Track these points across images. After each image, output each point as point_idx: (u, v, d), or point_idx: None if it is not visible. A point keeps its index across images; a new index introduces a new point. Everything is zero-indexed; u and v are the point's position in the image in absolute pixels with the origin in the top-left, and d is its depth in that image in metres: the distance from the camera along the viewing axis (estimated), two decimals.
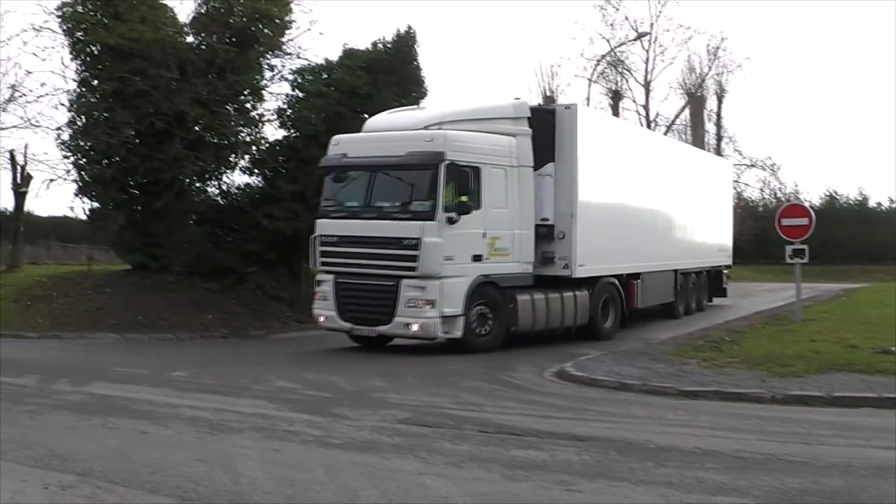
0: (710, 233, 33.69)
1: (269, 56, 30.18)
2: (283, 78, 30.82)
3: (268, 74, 30.77)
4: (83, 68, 28.73)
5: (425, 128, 21.45)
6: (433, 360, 20.09)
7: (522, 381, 16.88)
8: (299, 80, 30.24)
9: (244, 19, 28.67)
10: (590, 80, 53.81)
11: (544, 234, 22.93)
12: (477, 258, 21.09)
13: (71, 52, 28.71)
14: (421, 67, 31.64)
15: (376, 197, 21.42)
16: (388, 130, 22.18)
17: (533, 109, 23.57)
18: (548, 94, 62.77)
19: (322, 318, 22.03)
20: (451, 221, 20.44)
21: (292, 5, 29.32)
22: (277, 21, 29.07)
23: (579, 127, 23.25)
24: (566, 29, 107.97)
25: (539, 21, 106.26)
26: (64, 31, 28.47)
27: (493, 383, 16.52)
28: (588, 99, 50.61)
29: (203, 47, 28.83)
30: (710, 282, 33.93)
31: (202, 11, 28.96)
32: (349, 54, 30.21)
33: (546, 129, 23.02)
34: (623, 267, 25.88)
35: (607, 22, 62.34)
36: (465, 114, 22.66)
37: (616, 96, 64.71)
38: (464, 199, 20.60)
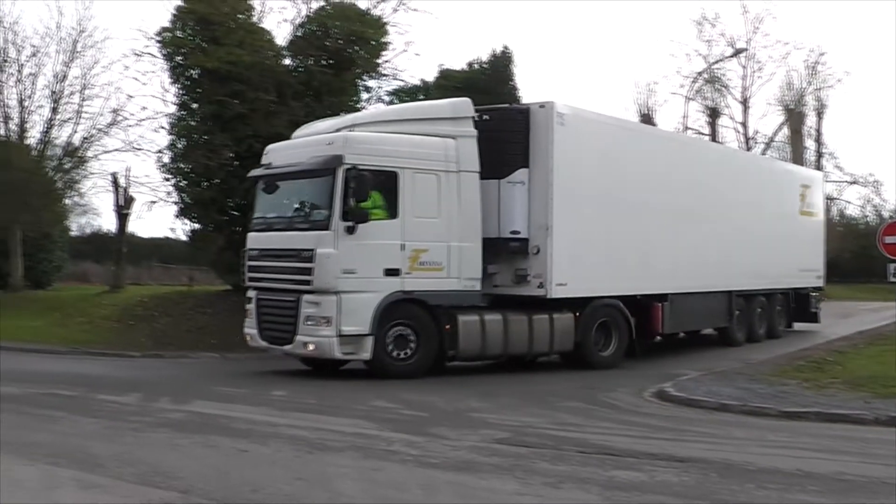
0: (786, 251, 29.56)
1: (365, 78, 30.41)
2: (379, 99, 31.10)
3: (364, 96, 31.06)
4: (183, 92, 29.23)
5: (337, 130, 19.99)
6: (531, 379, 20.04)
7: (621, 401, 16.73)
8: (395, 102, 30.42)
9: (340, 42, 28.92)
10: (687, 97, 53.37)
11: (516, 248, 20.58)
12: (392, 272, 19.08)
13: (171, 77, 29.25)
14: (517, 87, 31.77)
15: (287, 207, 20.51)
16: (309, 136, 20.85)
17: (502, 110, 21.49)
18: (645, 111, 62.49)
19: (248, 337, 20.80)
20: (350, 231, 18.60)
21: (388, 27, 29.55)
22: (373, 43, 29.29)
23: (556, 127, 20.64)
24: (663, 46, 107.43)
25: (636, 39, 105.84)
26: (164, 55, 29.01)
27: (592, 403, 16.39)
28: (685, 116, 50.35)
29: (300, 70, 29.14)
30: (788, 305, 30.55)
31: (299, 34, 29.29)
32: (445, 75, 30.36)
33: (518, 130, 20.66)
34: (632, 287, 22.69)
35: (704, 39, 61.89)
36: (390, 114, 21.78)
37: (713, 114, 64.05)
38: (367, 206, 18.86)
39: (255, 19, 29.53)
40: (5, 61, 38.48)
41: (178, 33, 28.74)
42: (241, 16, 28.85)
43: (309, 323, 18.91)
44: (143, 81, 35.41)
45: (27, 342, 27.04)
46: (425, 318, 19.60)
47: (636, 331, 22.71)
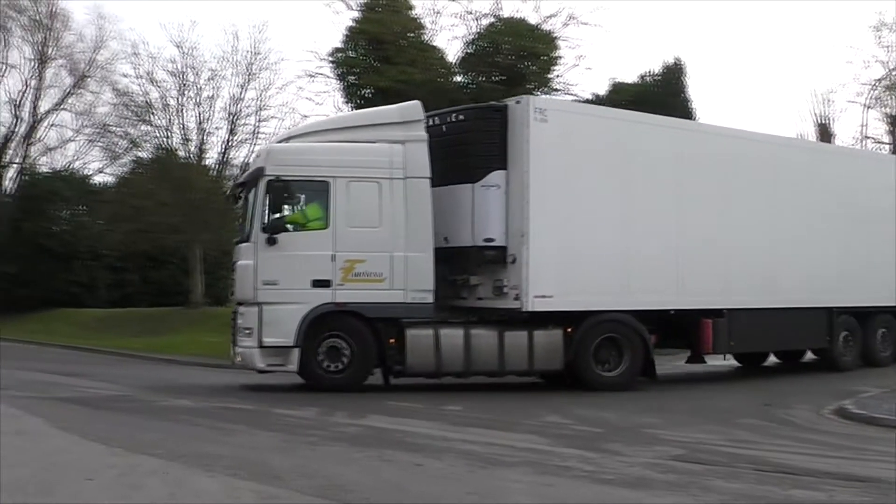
0: None
1: (536, 93, 30.40)
2: None
3: None
4: (356, 111, 29.69)
5: (285, 140, 20.04)
6: (705, 394, 19.81)
7: (798, 418, 16.36)
8: None
9: (511, 57, 29.05)
10: (865, 105, 51.91)
11: (493, 257, 19.31)
12: (321, 284, 18.64)
13: (344, 96, 29.86)
14: (690, 98, 31.41)
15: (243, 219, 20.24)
16: None
17: (476, 109, 20.52)
18: (822, 120, 60.90)
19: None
20: (270, 242, 18.47)
21: (558, 41, 29.55)
22: (544, 58, 29.34)
23: (534, 125, 19.10)
24: (840, 53, 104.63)
25: (812, 46, 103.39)
26: (337, 75, 29.63)
27: (768, 420, 16.07)
28: (864, 126, 48.83)
29: (471, 87, 29.36)
30: None
31: (470, 52, 29.53)
32: (617, 88, 30.20)
33: (492, 130, 19.40)
34: (657, 300, 20.62)
35: (882, 44, 60.03)
36: (339, 122, 21.37)
37: (894, 122, 62.06)
38: (299, 217, 19.10)
39: (425, 38, 29.88)
40: (185, 85, 39.79)
41: (351, 53, 29.32)
42: (411, 34, 29.22)
43: (239, 334, 18.99)
44: (318, 101, 36.42)
45: (205, 357, 27.89)
46: (362, 330, 19.00)
47: (691, 349, 21.80)
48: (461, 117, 20.00)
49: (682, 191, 21.09)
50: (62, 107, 53.59)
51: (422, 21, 30.27)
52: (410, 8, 30.26)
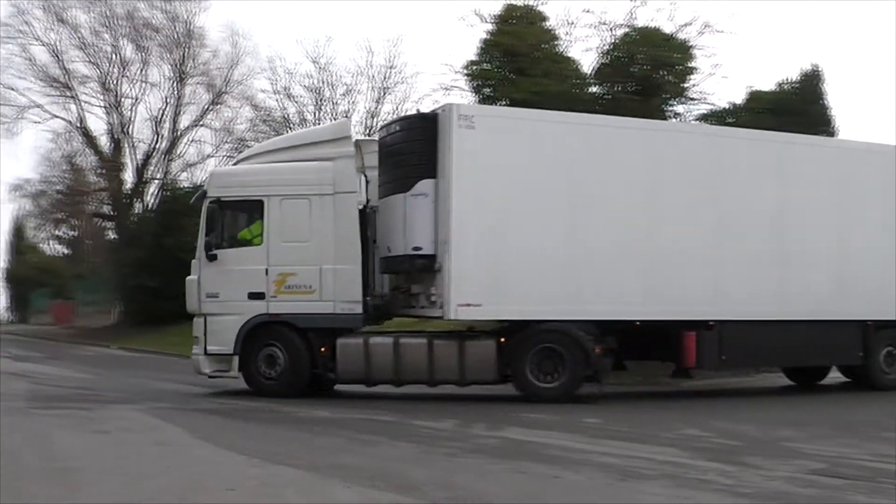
0: None
1: (672, 103, 30.16)
2: None
3: (672, 121, 30.76)
4: None
5: (235, 163, 21.55)
6: (844, 407, 19.43)
7: None
8: None
9: (646, 67, 28.82)
10: None
11: (423, 266, 19.22)
12: (256, 296, 19.98)
13: None
14: (828, 106, 30.69)
15: None
16: None
17: (408, 118, 20.53)
18: None
19: None
20: (211, 258, 20.06)
21: (694, 50, 29.21)
22: (679, 67, 29.02)
23: (458, 132, 18.72)
24: None
25: None
26: (472, 88, 29.73)
27: None
28: None
29: (606, 97, 29.20)
30: None
31: (605, 62, 29.37)
32: (754, 96, 29.67)
33: (422, 139, 19.20)
34: (617, 311, 19.67)
35: None
36: (280, 143, 22.60)
37: None
38: (245, 234, 20.53)
39: (560, 49, 29.82)
40: (321, 100, 40.36)
41: (485, 66, 29.43)
42: (545, 46, 29.20)
43: (193, 343, 20.56)
44: None
45: None
46: (294, 340, 19.99)
47: (677, 362, 20.72)
48: (397, 128, 20.27)
49: (651, 194, 20.23)
50: (201, 123, 55.08)
51: (556, 32, 30.29)
52: (544, 19, 30.31)
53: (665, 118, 30.26)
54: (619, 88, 28.84)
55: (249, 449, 13.14)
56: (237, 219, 20.72)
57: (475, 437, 14.99)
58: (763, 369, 23.97)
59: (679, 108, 30.71)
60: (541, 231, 19.51)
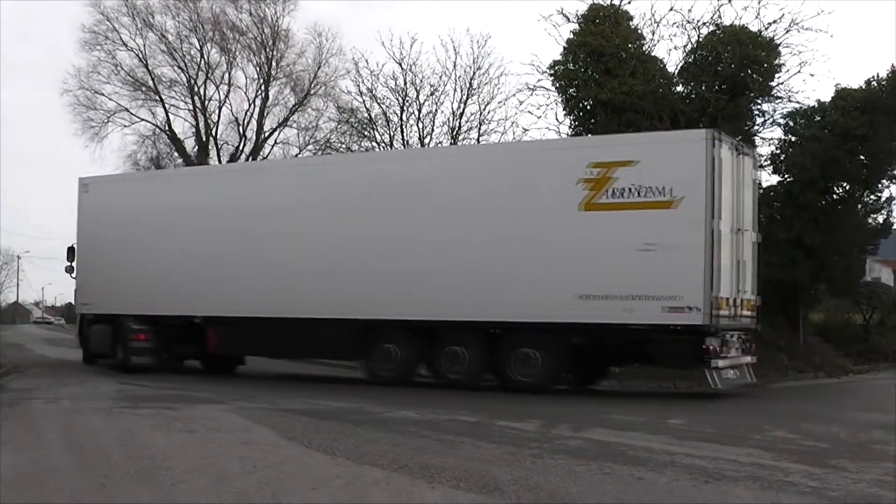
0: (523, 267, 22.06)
1: (759, 101, 29.80)
2: (774, 122, 30.37)
3: (759, 120, 30.45)
4: (577, 123, 29.74)
5: None
6: None
7: None
8: (791, 124, 29.63)
9: (733, 66, 28.51)
10: None
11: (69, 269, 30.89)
12: None
13: (564, 109, 29.86)
14: None
15: None
16: None
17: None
18: None
19: None
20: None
21: (780, 48, 28.85)
22: (766, 65, 28.67)
23: (81, 196, 29.91)
24: None
25: None
26: (557, 88, 29.66)
27: None
28: None
29: (693, 96, 28.96)
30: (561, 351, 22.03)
31: (690, 61, 29.12)
32: (842, 94, 29.20)
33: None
34: (153, 308, 27.25)
35: None
36: None
37: None
38: None
39: (645, 48, 29.63)
40: (406, 101, 40.48)
41: (571, 66, 29.30)
42: (631, 45, 29.04)
43: None
44: (538, 115, 36.48)
45: None
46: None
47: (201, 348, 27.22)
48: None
49: (173, 227, 27.49)
50: (286, 124, 55.44)
51: (641, 31, 30.06)
52: (630, 19, 30.07)
53: (752, 117, 29.96)
54: (705, 87, 28.58)
55: (335, 448, 13.28)
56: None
57: (559, 438, 14.98)
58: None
59: (766, 107, 30.37)
60: (121, 256, 28.42)
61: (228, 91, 54.60)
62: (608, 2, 30.27)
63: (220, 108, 54.99)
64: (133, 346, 27.27)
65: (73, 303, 32.13)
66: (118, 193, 29.97)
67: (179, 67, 53.69)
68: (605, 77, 28.19)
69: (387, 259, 23.47)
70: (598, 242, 21.12)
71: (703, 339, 20.26)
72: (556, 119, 30.79)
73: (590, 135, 28.99)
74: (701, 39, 28.99)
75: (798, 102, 29.87)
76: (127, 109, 54.10)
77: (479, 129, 39.92)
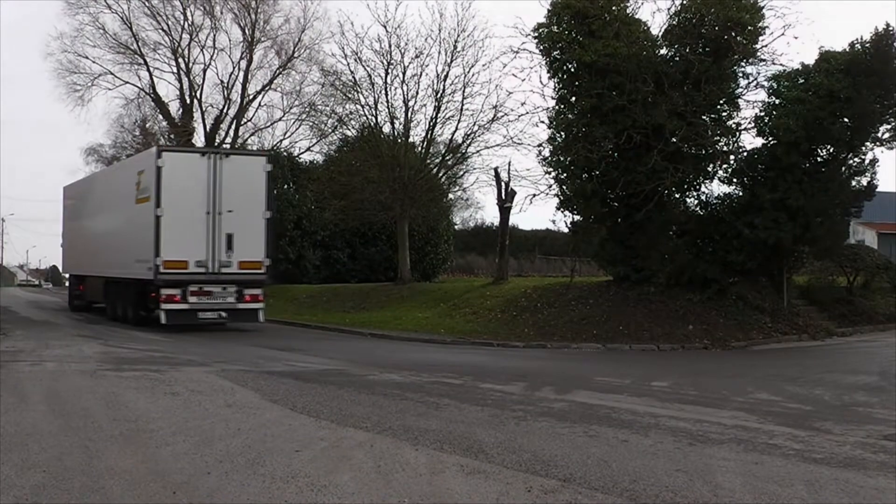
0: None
1: (743, 64, 29.69)
2: (758, 85, 30.22)
3: (743, 82, 30.34)
4: (560, 86, 29.64)
5: None
6: None
7: None
8: (775, 87, 29.53)
9: (717, 28, 28.38)
10: None
11: None
12: None
13: (548, 72, 29.75)
14: None
15: None
16: None
17: None
18: None
19: None
20: None
21: (765, 11, 28.74)
22: (750, 28, 28.54)
23: None
24: None
25: None
26: (541, 51, 29.53)
27: None
28: None
29: (677, 59, 28.87)
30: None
31: (674, 23, 29.00)
32: (826, 57, 29.10)
33: None
34: None
35: None
36: None
37: None
38: None
39: (629, 11, 29.51)
40: (391, 64, 40.35)
41: (555, 28, 29.16)
42: (615, 8, 28.91)
43: None
44: (522, 77, 36.41)
45: (415, 332, 28.39)
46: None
47: None
48: None
49: None
50: (270, 87, 55.25)
51: None
52: None
53: (736, 79, 29.85)
54: (689, 50, 28.47)
55: (319, 411, 13.30)
56: None
57: (543, 401, 15.00)
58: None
59: (749, 69, 30.25)
60: None
61: (213, 54, 54.39)
62: None
63: (204, 70, 54.84)
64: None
65: (57, 266, 35.24)
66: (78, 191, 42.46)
67: (163, 30, 53.43)
68: (588, 39, 28.06)
69: None
70: (140, 224, 30.64)
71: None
72: (541, 82, 30.82)
73: (574, 97, 28.99)
74: (685, 1, 28.85)
75: (782, 65, 29.76)
76: (111, 73, 53.96)
77: (464, 91, 39.85)
